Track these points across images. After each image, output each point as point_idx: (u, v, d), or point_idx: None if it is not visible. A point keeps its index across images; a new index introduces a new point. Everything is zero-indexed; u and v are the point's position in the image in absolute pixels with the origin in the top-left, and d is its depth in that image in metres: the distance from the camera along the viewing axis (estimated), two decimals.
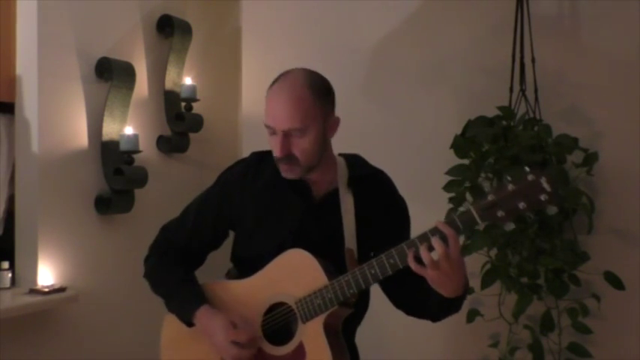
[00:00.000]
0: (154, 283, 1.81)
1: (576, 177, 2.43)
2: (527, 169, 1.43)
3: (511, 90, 2.54)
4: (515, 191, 1.40)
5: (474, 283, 2.45)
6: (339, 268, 1.60)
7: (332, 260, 1.61)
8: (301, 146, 1.60)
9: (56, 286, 2.47)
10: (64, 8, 2.61)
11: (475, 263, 2.44)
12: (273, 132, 1.61)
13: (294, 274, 1.61)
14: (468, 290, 1.58)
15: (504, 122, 2.46)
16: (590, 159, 2.39)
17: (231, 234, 1.82)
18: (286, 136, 1.59)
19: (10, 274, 2.47)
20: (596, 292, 2.44)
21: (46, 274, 2.51)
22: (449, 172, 2.44)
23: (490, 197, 1.43)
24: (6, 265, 2.47)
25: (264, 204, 1.70)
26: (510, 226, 1.44)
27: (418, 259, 1.45)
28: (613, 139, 2.53)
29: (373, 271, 1.53)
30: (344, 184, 1.68)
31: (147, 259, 1.84)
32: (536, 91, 2.52)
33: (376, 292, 1.80)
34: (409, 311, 1.73)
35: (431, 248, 1.44)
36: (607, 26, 2.56)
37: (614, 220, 2.52)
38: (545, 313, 2.42)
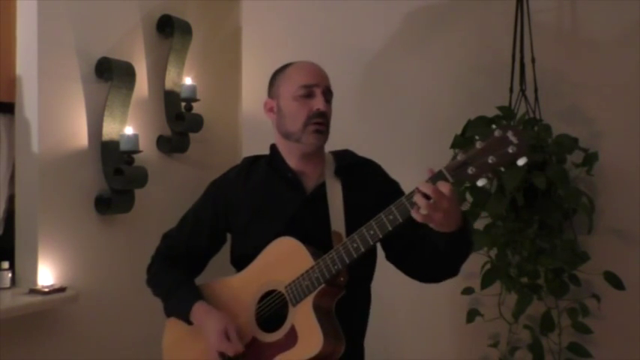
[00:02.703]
0: (154, 287, 1.86)
1: (576, 177, 2.43)
2: (494, 126, 1.46)
3: (511, 90, 2.54)
4: (484, 148, 1.42)
5: (474, 283, 2.46)
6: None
7: (323, 248, 1.61)
8: (330, 111, 1.73)
9: (56, 286, 2.47)
10: (64, 8, 2.60)
11: (475, 263, 2.44)
12: (309, 93, 1.69)
13: (282, 260, 1.64)
14: (467, 221, 1.57)
15: (504, 122, 2.45)
16: (590, 159, 2.38)
17: (229, 240, 1.84)
18: (324, 95, 1.70)
19: (10, 274, 2.47)
20: (596, 292, 2.44)
21: (46, 274, 2.50)
22: None
23: (460, 157, 1.45)
24: (6, 265, 2.46)
25: (258, 199, 1.74)
26: (483, 182, 1.45)
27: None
28: (613, 139, 2.53)
29: (355, 245, 1.54)
30: (331, 174, 1.73)
31: (149, 268, 1.89)
32: (536, 91, 2.52)
33: (377, 296, 1.80)
34: (425, 271, 1.70)
35: (427, 197, 1.43)
36: (607, 26, 2.56)
37: (614, 220, 2.52)
38: (545, 313, 2.42)
